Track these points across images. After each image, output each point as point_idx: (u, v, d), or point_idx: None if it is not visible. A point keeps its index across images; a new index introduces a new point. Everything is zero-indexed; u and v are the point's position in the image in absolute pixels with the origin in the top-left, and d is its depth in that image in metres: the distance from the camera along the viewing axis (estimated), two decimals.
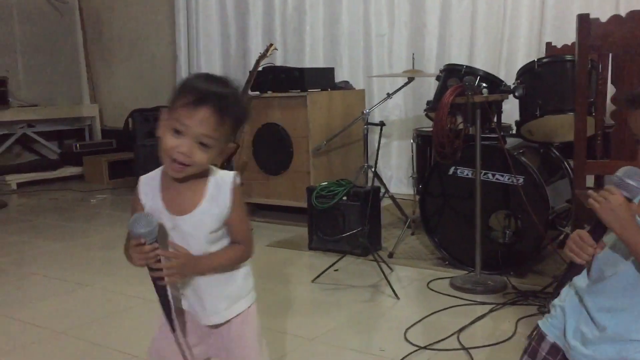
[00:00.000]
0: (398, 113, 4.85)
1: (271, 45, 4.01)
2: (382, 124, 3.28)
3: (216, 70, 5.64)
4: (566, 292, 1.37)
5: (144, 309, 2.64)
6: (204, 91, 1.21)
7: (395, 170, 4.94)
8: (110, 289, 2.91)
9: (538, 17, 4.18)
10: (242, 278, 1.37)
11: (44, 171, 6.17)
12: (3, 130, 6.12)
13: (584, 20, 2.24)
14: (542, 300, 2.52)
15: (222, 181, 1.31)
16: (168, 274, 1.24)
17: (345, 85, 4.36)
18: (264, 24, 5.31)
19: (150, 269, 1.24)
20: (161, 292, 1.27)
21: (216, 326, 1.36)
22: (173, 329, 1.32)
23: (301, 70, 4.04)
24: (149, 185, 1.33)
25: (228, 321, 1.35)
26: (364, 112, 3.50)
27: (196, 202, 1.28)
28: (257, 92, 4.11)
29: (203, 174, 1.30)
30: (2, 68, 6.18)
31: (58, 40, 6.63)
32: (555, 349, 1.34)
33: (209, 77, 1.28)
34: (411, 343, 2.20)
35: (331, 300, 2.70)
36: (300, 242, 3.53)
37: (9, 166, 6.15)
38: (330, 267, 2.91)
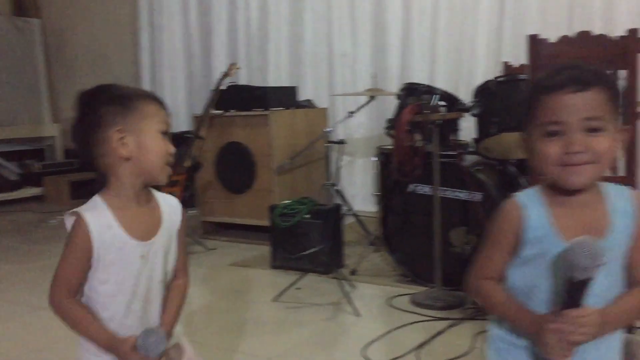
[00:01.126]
0: (362, 131, 4.89)
1: (233, 64, 4.02)
2: (341, 142, 3.31)
3: (181, 89, 5.62)
4: None
5: None
6: (153, 95, 1.26)
7: (360, 188, 4.96)
8: None
9: (496, 37, 4.28)
10: None
11: (3, 192, 6.03)
12: None
13: (533, 41, 2.30)
14: None
15: (170, 199, 1.30)
16: None
17: (308, 104, 4.38)
18: (228, 43, 5.32)
19: None
20: None
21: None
22: None
23: (264, 89, 4.05)
24: (97, 217, 1.17)
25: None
26: (326, 130, 3.52)
27: (158, 221, 1.24)
28: (221, 111, 4.10)
29: (150, 194, 1.27)
30: None
31: (18, 59, 6.52)
32: None
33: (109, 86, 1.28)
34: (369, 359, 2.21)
35: (292, 318, 2.69)
36: (263, 261, 3.51)
37: None
38: (291, 285, 2.90)
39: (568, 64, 1.11)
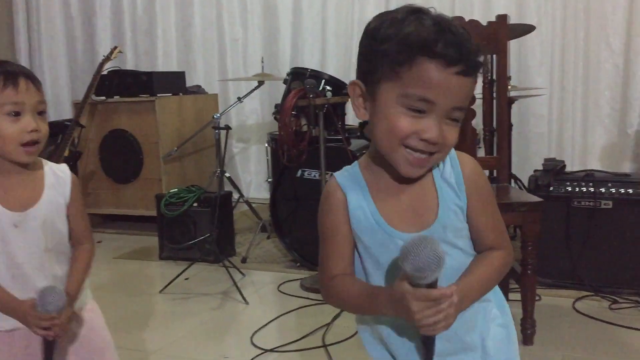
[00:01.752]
0: (255, 117, 4.84)
1: (115, 48, 3.83)
2: (227, 128, 3.24)
3: (62, 74, 5.30)
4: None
5: None
6: (10, 68, 1.21)
7: (255, 175, 4.92)
8: None
9: None
10: None
11: None
12: None
13: None
14: None
15: (59, 170, 1.30)
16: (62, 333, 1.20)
17: (198, 90, 4.27)
18: (113, 26, 5.07)
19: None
20: (49, 347, 1.21)
21: None
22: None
23: (149, 74, 3.89)
24: None
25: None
26: (214, 116, 3.44)
27: (38, 193, 1.24)
28: (103, 97, 3.90)
29: (37, 165, 1.28)
30: None
31: None
32: None
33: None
34: (257, 347, 2.18)
35: (179, 310, 2.61)
36: (150, 252, 3.39)
37: None
38: (178, 276, 2.82)
39: (441, 20, 0.91)
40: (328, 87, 2.96)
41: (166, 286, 2.79)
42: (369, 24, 0.97)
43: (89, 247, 1.35)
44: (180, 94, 4.05)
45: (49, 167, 1.30)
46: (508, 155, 2.41)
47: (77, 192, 1.31)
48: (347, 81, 3.21)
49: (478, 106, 2.51)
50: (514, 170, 3.50)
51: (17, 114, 1.19)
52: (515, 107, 3.75)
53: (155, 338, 2.33)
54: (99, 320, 1.41)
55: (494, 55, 2.44)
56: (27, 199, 1.23)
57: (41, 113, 1.24)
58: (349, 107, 3.29)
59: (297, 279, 2.86)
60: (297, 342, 2.20)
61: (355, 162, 1.08)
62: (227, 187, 3.62)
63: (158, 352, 2.19)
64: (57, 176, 1.29)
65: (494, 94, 2.62)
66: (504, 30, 2.32)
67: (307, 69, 3.11)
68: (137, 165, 3.84)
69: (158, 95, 3.81)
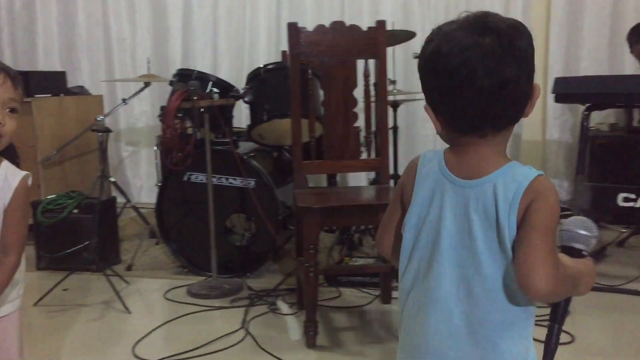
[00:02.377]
0: (145, 120, 4.69)
1: None
2: (107, 131, 3.12)
3: None
4: None
5: None
6: None
7: (145, 179, 4.76)
8: None
9: (275, 27, 4.36)
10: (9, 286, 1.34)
11: None
12: None
13: (292, 29, 2.36)
14: (275, 298, 2.61)
15: (12, 174, 1.29)
16: None
17: (80, 91, 4.07)
18: None
19: None
20: None
21: None
22: None
23: (25, 74, 3.65)
24: None
25: None
26: (97, 118, 3.29)
27: None
28: None
29: None
30: None
31: None
32: None
33: None
34: (139, 358, 2.10)
35: (55, 323, 2.47)
36: (27, 262, 3.18)
37: None
38: (55, 287, 2.67)
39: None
40: (215, 90, 2.91)
41: (41, 298, 2.63)
42: (525, 27, 0.93)
43: (13, 260, 1.32)
44: (61, 94, 3.84)
45: (3, 169, 1.28)
46: (389, 157, 2.48)
47: (20, 202, 1.29)
48: (237, 84, 3.18)
49: (360, 109, 2.57)
50: (400, 172, 3.61)
51: None
52: (401, 110, 3.87)
53: (30, 354, 2.19)
54: (11, 332, 1.39)
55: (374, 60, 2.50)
56: None
57: (12, 110, 1.26)
58: (237, 110, 3.27)
59: (185, 285, 2.79)
60: (181, 348, 2.15)
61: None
62: (115, 193, 3.48)
63: None
64: (6, 180, 1.28)
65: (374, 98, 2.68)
66: (382, 36, 2.39)
67: (193, 70, 3.05)
68: None
69: (35, 96, 3.60)
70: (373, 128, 2.80)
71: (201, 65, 4.34)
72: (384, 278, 2.50)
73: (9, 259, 1.31)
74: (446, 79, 0.90)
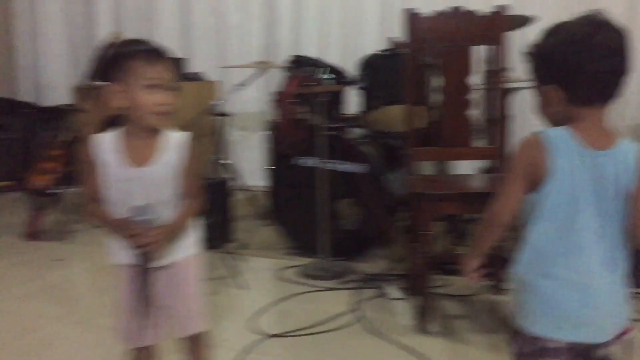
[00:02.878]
0: (255, 105, 4.84)
1: (116, 33, 3.83)
2: (226, 115, 3.26)
3: (61, 59, 5.30)
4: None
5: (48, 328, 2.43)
6: (152, 47, 1.43)
7: (253, 162, 4.92)
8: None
9: (386, 12, 4.36)
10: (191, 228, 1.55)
11: None
12: None
13: (408, 15, 2.36)
14: (385, 283, 2.65)
15: (179, 137, 1.49)
16: (152, 247, 1.43)
17: (197, 77, 4.27)
18: (113, 12, 5.06)
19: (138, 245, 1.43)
20: (143, 262, 1.45)
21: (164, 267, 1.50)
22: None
23: None
24: (104, 143, 1.46)
25: (173, 263, 1.51)
26: (214, 103, 3.45)
27: (157, 154, 1.46)
28: (103, 82, 3.90)
29: (161, 131, 1.47)
30: None
31: None
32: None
33: (132, 40, 1.49)
34: (256, 332, 2.21)
35: None
36: None
37: None
38: None
39: None
40: (328, 75, 2.97)
41: None
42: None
43: (191, 202, 1.51)
44: (180, 80, 4.04)
45: (169, 133, 1.49)
46: (504, 145, 2.43)
47: (190, 156, 1.49)
48: (347, 70, 3.22)
49: (474, 96, 2.54)
50: None
51: (153, 88, 1.40)
52: (518, 98, 3.76)
53: None
54: (192, 274, 1.57)
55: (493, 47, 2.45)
56: (147, 159, 1.45)
57: (171, 89, 1.44)
58: (349, 96, 3.31)
59: (296, 266, 2.89)
60: (294, 325, 2.24)
61: None
62: (226, 175, 3.63)
63: None
64: (175, 141, 1.48)
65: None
66: (502, 22, 2.34)
67: (307, 56, 3.12)
68: None
69: None
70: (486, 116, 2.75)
71: (308, 51, 4.42)
72: (496, 269, 2.47)
73: (187, 201, 1.51)
74: (609, 58, 1.13)
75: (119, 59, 1.41)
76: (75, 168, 3.95)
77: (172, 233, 1.49)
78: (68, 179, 3.57)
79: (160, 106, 1.41)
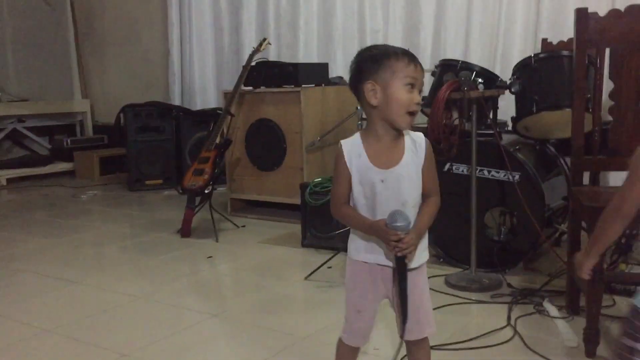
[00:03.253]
0: None
1: (264, 39, 3.97)
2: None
3: (210, 65, 5.59)
4: None
5: (134, 306, 2.60)
6: (406, 51, 1.47)
7: None
8: (101, 287, 2.85)
9: (534, 13, 4.14)
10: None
11: (34, 167, 6.11)
12: None
13: (582, 15, 2.20)
14: (539, 298, 2.50)
15: (417, 137, 1.53)
16: (409, 251, 1.43)
17: (340, 81, 4.31)
18: (258, 19, 5.26)
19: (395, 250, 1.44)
20: (402, 266, 1.46)
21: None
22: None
23: (295, 66, 3.99)
24: (352, 147, 1.51)
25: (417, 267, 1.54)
26: (358, 107, 3.45)
27: (400, 156, 1.49)
28: (250, 87, 4.06)
29: (401, 133, 1.51)
30: None
31: (49, 34, 6.55)
32: None
33: (381, 45, 1.57)
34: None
35: (324, 298, 2.67)
36: (293, 239, 3.49)
37: None
38: (323, 264, 2.87)
39: None
40: (479, 80, 2.86)
41: (311, 273, 2.86)
42: None
43: (436, 200, 1.55)
44: (323, 85, 4.12)
45: (408, 134, 1.53)
46: None
47: (430, 155, 1.53)
48: (496, 74, 3.09)
49: None
50: None
51: (412, 86, 1.44)
52: None
53: (304, 323, 2.40)
54: (425, 274, 1.59)
55: None
56: (392, 160, 1.49)
57: (412, 85, 1.47)
58: (500, 101, 3.17)
59: (441, 275, 2.81)
60: (444, 338, 2.17)
61: None
62: None
63: (309, 338, 2.24)
64: (414, 142, 1.52)
65: None
66: None
67: (457, 60, 3.03)
68: (281, 154, 3.96)
69: (303, 85, 3.90)
70: None
71: (451, 55, 4.31)
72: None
73: (433, 199, 1.54)
74: None
75: (381, 57, 1.45)
76: (224, 169, 4.14)
77: (422, 235, 1.52)
78: (217, 179, 3.75)
79: (415, 105, 1.45)
